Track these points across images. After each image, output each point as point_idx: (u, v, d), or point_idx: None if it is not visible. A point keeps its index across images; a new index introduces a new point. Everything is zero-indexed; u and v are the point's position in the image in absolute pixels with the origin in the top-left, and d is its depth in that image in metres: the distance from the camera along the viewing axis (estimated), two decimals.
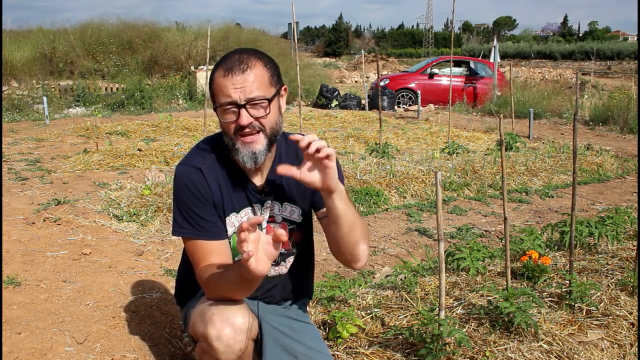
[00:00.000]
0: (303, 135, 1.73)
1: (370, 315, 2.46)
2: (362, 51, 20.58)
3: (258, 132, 1.57)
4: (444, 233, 2.84)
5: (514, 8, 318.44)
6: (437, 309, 2.08)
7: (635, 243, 3.27)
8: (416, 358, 2.09)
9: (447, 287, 2.74)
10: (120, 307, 2.66)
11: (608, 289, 2.62)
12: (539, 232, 3.27)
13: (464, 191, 5.12)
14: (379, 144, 6.43)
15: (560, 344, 2.18)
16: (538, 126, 9.57)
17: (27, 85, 11.88)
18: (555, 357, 2.12)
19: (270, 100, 1.57)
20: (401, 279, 2.86)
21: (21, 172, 5.41)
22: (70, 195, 4.61)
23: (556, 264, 3.01)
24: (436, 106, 12.41)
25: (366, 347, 2.22)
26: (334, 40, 62.02)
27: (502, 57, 31.20)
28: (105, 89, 12.60)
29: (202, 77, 12.07)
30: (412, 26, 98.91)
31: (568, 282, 2.54)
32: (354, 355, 2.17)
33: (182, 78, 13.36)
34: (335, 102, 12.20)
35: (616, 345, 2.20)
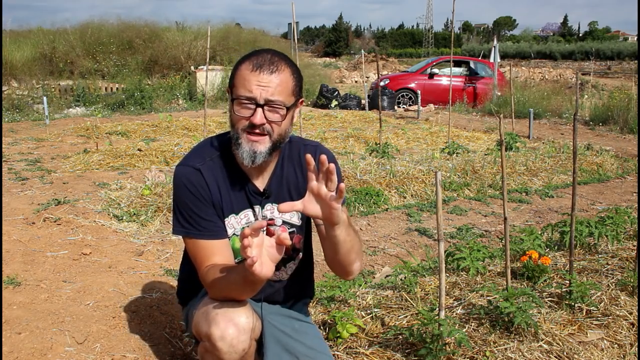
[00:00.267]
0: (315, 145, 1.73)
1: (370, 315, 2.46)
2: (362, 51, 20.58)
3: (266, 134, 1.56)
4: (444, 233, 2.85)
5: (514, 8, 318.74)
6: (437, 309, 2.08)
7: (635, 243, 3.27)
8: (416, 358, 2.09)
9: (447, 287, 2.74)
10: (120, 307, 2.66)
11: (608, 289, 2.63)
12: (539, 232, 3.27)
13: (464, 191, 5.12)
14: (379, 144, 6.43)
15: (560, 344, 2.18)
16: (538, 126, 9.57)
17: (27, 85, 11.88)
18: (555, 357, 2.12)
19: (288, 109, 1.57)
20: (401, 279, 2.86)
21: (21, 172, 5.41)
22: (70, 195, 4.61)
23: (556, 264, 3.01)
24: (436, 106, 12.41)
25: (366, 347, 2.22)
26: (334, 40, 62.02)
27: (502, 57, 31.20)
28: (105, 89, 12.60)
29: (202, 77, 12.07)
30: (412, 26, 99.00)
31: (568, 282, 2.55)
32: (354, 355, 2.17)
33: (182, 78, 13.37)
34: (335, 102, 12.20)
35: (616, 345, 2.20)
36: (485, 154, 6.29)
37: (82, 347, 2.27)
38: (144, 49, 14.29)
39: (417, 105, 11.34)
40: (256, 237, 1.33)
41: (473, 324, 2.33)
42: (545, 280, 2.74)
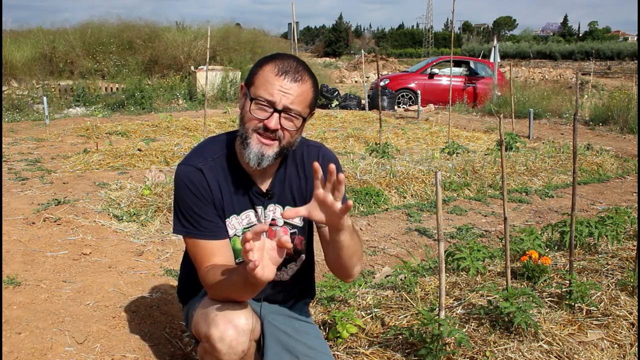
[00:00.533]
0: (318, 146, 1.73)
1: (370, 315, 2.46)
2: (362, 51, 20.58)
3: (277, 140, 1.56)
4: (444, 233, 2.85)
5: (514, 8, 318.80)
6: (437, 309, 2.08)
7: (635, 243, 3.27)
8: (416, 358, 2.09)
9: (447, 287, 2.74)
10: (120, 307, 2.66)
11: (608, 289, 2.63)
12: (539, 232, 3.27)
13: (464, 191, 5.12)
14: (379, 144, 6.43)
15: (560, 344, 2.18)
16: (538, 126, 9.57)
17: (27, 85, 11.88)
18: (555, 357, 2.12)
19: (304, 120, 1.57)
20: (401, 279, 2.86)
21: (21, 172, 5.41)
22: (70, 195, 4.61)
23: (556, 264, 3.01)
24: (436, 106, 12.41)
25: (366, 347, 2.22)
26: (334, 40, 62.03)
27: (502, 57, 31.21)
28: (105, 89, 12.60)
29: (202, 77, 12.07)
30: (412, 26, 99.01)
31: (568, 282, 2.54)
32: (354, 355, 2.17)
33: (182, 78, 13.37)
34: (335, 102, 12.20)
35: (616, 345, 2.20)
36: (485, 154, 6.29)
37: (82, 347, 2.27)
38: (144, 49, 14.29)
39: (417, 105, 11.34)
40: (257, 241, 1.32)
41: (473, 324, 2.33)
42: (545, 280, 2.74)
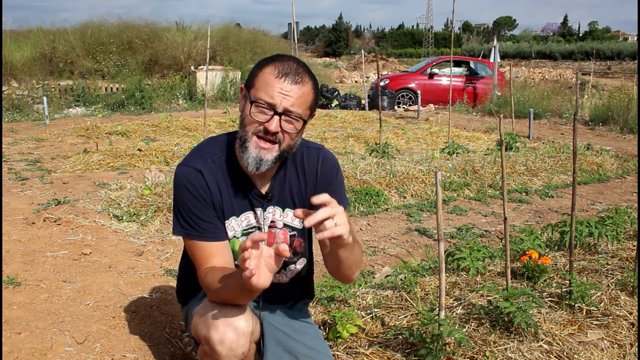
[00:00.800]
0: (318, 148, 1.72)
1: (370, 315, 2.46)
2: (362, 51, 20.58)
3: (276, 143, 1.55)
4: (444, 233, 2.85)
5: (514, 8, 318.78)
6: (437, 309, 2.08)
7: (635, 243, 3.27)
8: (416, 358, 2.09)
9: (447, 287, 2.74)
10: (120, 307, 2.66)
11: (608, 289, 2.62)
12: (539, 232, 3.27)
13: (464, 191, 5.12)
14: (379, 144, 6.43)
15: (560, 344, 2.18)
16: (538, 126, 9.57)
17: (27, 85, 11.88)
18: (555, 357, 2.12)
19: (304, 122, 1.56)
20: (401, 279, 2.86)
21: (21, 172, 5.41)
22: (70, 195, 4.61)
23: (556, 264, 3.01)
24: (436, 106, 12.42)
25: (366, 347, 2.22)
26: (334, 40, 62.03)
27: (502, 57, 31.20)
28: (105, 89, 12.60)
29: (202, 77, 12.07)
30: (412, 26, 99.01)
31: (568, 282, 2.54)
32: (354, 355, 2.17)
33: (182, 78, 13.37)
34: (335, 102, 12.21)
35: (616, 345, 2.20)
36: (485, 154, 6.29)
37: (82, 347, 2.27)
38: (144, 49, 14.29)
39: (417, 105, 11.34)
40: (255, 249, 1.32)
41: (473, 324, 2.33)
42: (545, 280, 2.74)
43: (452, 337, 2.06)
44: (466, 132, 8.95)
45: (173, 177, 1.68)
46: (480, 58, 16.95)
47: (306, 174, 1.71)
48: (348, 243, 1.46)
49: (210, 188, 1.62)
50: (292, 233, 1.75)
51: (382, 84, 12.57)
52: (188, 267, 1.78)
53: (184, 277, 1.91)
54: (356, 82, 22.81)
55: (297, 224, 1.75)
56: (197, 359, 1.68)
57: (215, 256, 1.61)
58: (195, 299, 1.80)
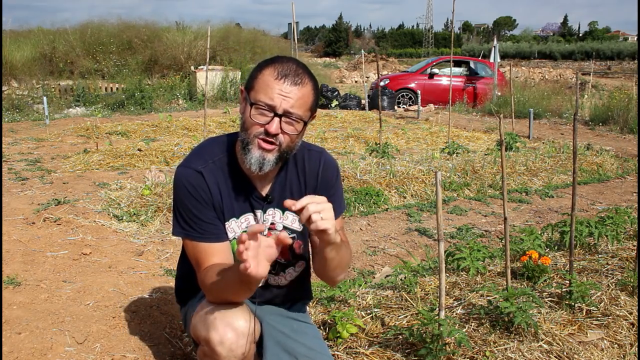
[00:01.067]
0: (319, 151, 1.73)
1: (370, 315, 2.46)
2: (362, 51, 20.59)
3: (277, 144, 1.54)
4: (444, 233, 2.85)
5: (514, 8, 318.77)
6: (437, 309, 2.08)
7: (635, 243, 3.27)
8: (416, 358, 2.09)
9: (447, 287, 2.74)
10: (120, 307, 2.66)
11: (608, 289, 2.62)
12: (539, 232, 3.27)
13: (464, 191, 5.12)
14: (379, 144, 6.43)
15: (560, 344, 2.18)
16: (538, 126, 9.57)
17: (27, 85, 11.88)
18: (555, 357, 2.12)
19: (305, 123, 1.56)
20: (401, 279, 2.86)
21: (21, 172, 5.41)
22: (70, 195, 4.61)
23: (556, 264, 3.01)
24: (436, 106, 12.42)
25: (366, 347, 2.22)
26: (334, 40, 62.03)
27: (502, 57, 31.20)
28: (105, 89, 12.60)
29: (202, 77, 12.07)
30: (412, 26, 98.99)
31: (568, 282, 2.54)
32: (354, 355, 2.17)
33: (182, 78, 13.37)
34: (335, 102, 12.20)
35: (616, 345, 2.20)
36: (485, 154, 6.29)
37: (82, 347, 2.27)
38: (143, 49, 14.29)
39: (417, 105, 11.34)
40: (254, 240, 1.32)
41: (473, 324, 2.33)
42: (545, 280, 2.74)
43: (452, 337, 2.06)
44: (466, 132, 8.95)
45: (173, 178, 1.67)
46: (480, 58, 16.95)
47: (307, 176, 1.71)
48: (335, 242, 1.49)
49: (211, 189, 1.62)
50: (291, 235, 1.75)
51: (382, 84, 12.57)
52: (187, 268, 1.77)
53: (182, 278, 1.91)
54: (356, 82, 22.81)
55: (296, 226, 1.75)
56: (197, 359, 1.68)
57: (215, 257, 1.60)
58: (194, 299, 1.80)
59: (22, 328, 2.37)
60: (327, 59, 40.66)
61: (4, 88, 10.94)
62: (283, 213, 1.72)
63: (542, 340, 2.19)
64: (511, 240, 3.07)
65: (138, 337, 2.39)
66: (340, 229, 1.74)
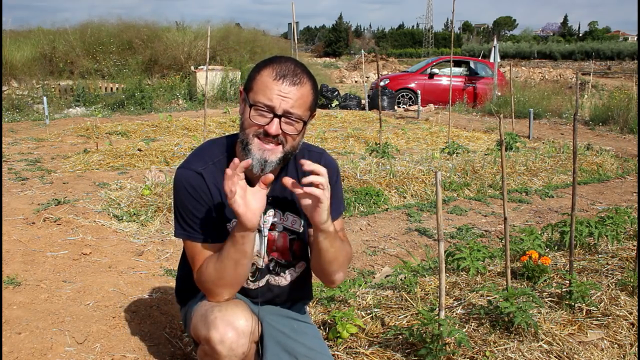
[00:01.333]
0: (320, 152, 1.73)
1: (370, 315, 2.46)
2: (362, 51, 20.59)
3: (278, 144, 1.54)
4: (444, 233, 2.85)
5: (514, 8, 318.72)
6: (437, 309, 2.08)
7: (635, 243, 3.27)
8: (416, 358, 2.09)
9: (447, 287, 2.74)
10: (120, 307, 2.66)
11: (608, 289, 2.62)
12: (539, 232, 3.27)
13: (464, 191, 5.12)
14: (379, 144, 6.43)
15: (560, 344, 2.18)
16: (538, 126, 9.57)
17: (27, 85, 11.88)
18: (555, 357, 2.12)
19: (305, 123, 1.56)
20: (401, 279, 2.86)
21: (21, 172, 5.41)
22: (70, 195, 4.61)
23: (556, 264, 3.01)
24: (436, 106, 12.42)
25: (366, 347, 2.22)
26: (334, 40, 62.02)
27: (502, 57, 31.21)
28: (105, 89, 12.60)
29: (202, 77, 12.07)
30: (412, 26, 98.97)
31: (568, 282, 2.54)
32: (354, 355, 2.17)
33: (182, 78, 13.37)
34: (335, 102, 12.20)
35: (616, 345, 2.20)
36: (485, 154, 6.29)
37: (82, 347, 2.27)
38: (144, 49, 14.29)
39: (417, 105, 11.34)
40: (241, 180, 1.44)
41: (473, 324, 2.33)
42: (545, 280, 2.74)
43: (452, 337, 2.06)
44: (466, 132, 8.95)
45: (173, 179, 1.67)
46: (480, 58, 16.95)
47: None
48: (327, 229, 1.54)
49: (211, 190, 1.62)
50: (292, 237, 1.75)
51: (382, 84, 12.57)
52: (187, 269, 1.77)
53: (183, 278, 1.91)
54: (356, 82, 22.81)
55: (297, 228, 1.75)
56: (197, 359, 1.68)
57: None
58: (194, 299, 1.80)
59: (22, 328, 2.37)
60: (327, 59, 40.66)
61: (4, 88, 10.94)
62: (283, 214, 1.72)
63: (542, 340, 2.19)
64: (511, 240, 3.07)
65: (138, 337, 2.39)
66: (340, 230, 1.74)
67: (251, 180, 1.66)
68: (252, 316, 1.58)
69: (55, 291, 2.79)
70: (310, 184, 1.46)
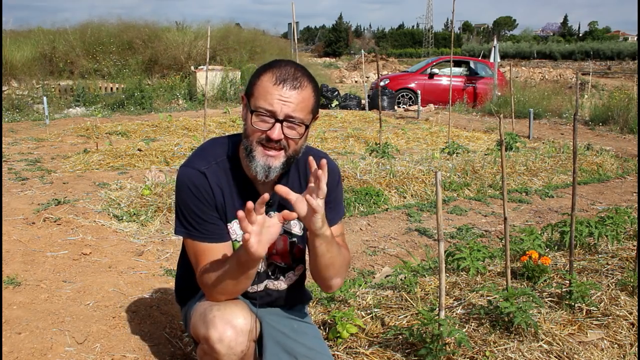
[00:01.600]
0: (322, 157, 1.73)
1: (370, 315, 2.46)
2: (362, 51, 20.59)
3: (281, 149, 1.54)
4: (444, 233, 2.85)
5: (514, 8, 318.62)
6: (437, 309, 2.08)
7: (635, 243, 3.27)
8: (416, 358, 2.09)
9: (447, 287, 2.74)
10: (120, 307, 2.66)
11: (608, 289, 2.62)
12: (539, 232, 3.27)
13: (464, 191, 5.12)
14: (379, 144, 6.43)
15: (560, 344, 2.18)
16: (538, 126, 9.57)
17: (27, 85, 11.88)
18: (555, 357, 2.12)
19: (307, 126, 1.56)
20: (401, 279, 2.86)
21: (21, 172, 5.41)
22: (70, 195, 4.61)
23: (556, 264, 3.01)
24: (436, 106, 12.42)
25: (366, 347, 2.22)
26: (334, 40, 62.01)
27: (502, 57, 31.20)
28: (105, 89, 12.60)
29: (202, 77, 12.07)
30: (412, 26, 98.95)
31: (568, 282, 2.54)
32: (354, 355, 2.17)
33: (182, 78, 13.37)
34: (335, 102, 12.20)
35: (616, 345, 2.20)
36: (485, 154, 6.29)
37: (82, 347, 2.27)
38: (144, 49, 14.29)
39: (417, 105, 11.34)
40: (259, 215, 1.38)
41: (473, 324, 2.33)
42: (545, 280, 2.74)
43: (452, 337, 2.06)
44: (466, 132, 8.95)
45: (176, 177, 1.67)
46: (480, 58, 16.95)
47: (309, 179, 1.71)
48: (324, 234, 1.53)
49: (213, 190, 1.62)
50: (292, 240, 1.75)
51: (382, 84, 12.57)
52: (186, 267, 1.78)
53: (182, 277, 1.91)
54: (356, 82, 22.81)
55: (297, 231, 1.75)
56: (197, 358, 1.68)
57: (217, 257, 1.60)
58: (193, 299, 1.80)
59: (22, 328, 2.37)
60: (327, 59, 40.65)
61: (4, 88, 10.94)
62: None
63: (542, 340, 2.19)
64: (511, 240, 3.07)
65: (138, 337, 2.39)
66: (339, 235, 1.73)
67: (254, 184, 1.66)
68: (251, 315, 1.58)
69: (55, 291, 2.79)
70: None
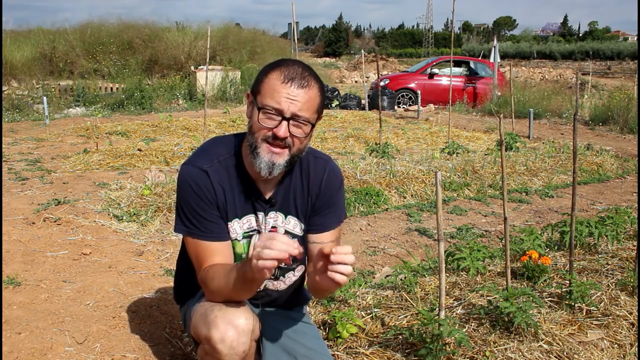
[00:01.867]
0: (325, 160, 1.72)
1: (370, 315, 2.46)
2: (362, 51, 20.59)
3: (286, 147, 1.54)
4: (444, 233, 2.85)
5: (514, 8, 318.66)
6: (437, 309, 2.08)
7: (635, 243, 3.27)
8: (416, 358, 2.09)
9: (447, 287, 2.74)
10: (120, 307, 2.66)
11: (608, 289, 2.63)
12: (539, 232, 3.27)
13: (464, 191, 5.12)
14: (379, 144, 6.43)
15: (560, 344, 2.18)
16: (538, 126, 9.57)
17: (27, 85, 11.88)
18: (555, 357, 2.12)
19: (312, 126, 1.56)
20: (401, 279, 2.86)
21: (21, 172, 5.41)
22: (70, 195, 4.61)
23: (556, 264, 3.01)
24: (436, 106, 12.42)
25: (366, 347, 2.22)
26: (334, 40, 62.02)
27: (502, 57, 31.19)
28: (105, 89, 12.60)
29: (202, 77, 12.07)
30: (412, 26, 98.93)
31: (568, 282, 2.55)
32: (354, 355, 2.17)
33: (182, 78, 13.37)
34: (335, 102, 12.20)
35: (616, 345, 2.20)
36: (485, 154, 6.29)
37: (82, 347, 2.27)
38: (144, 49, 14.29)
39: (417, 105, 11.34)
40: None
41: (473, 324, 2.33)
42: (545, 280, 2.74)
43: (452, 337, 2.06)
44: (466, 132, 8.95)
45: (177, 175, 1.67)
46: (480, 58, 16.95)
47: (310, 183, 1.70)
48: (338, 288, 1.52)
49: (215, 189, 1.62)
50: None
51: (382, 84, 12.57)
52: (185, 265, 1.78)
53: (181, 275, 1.91)
54: (356, 82, 22.81)
55: (298, 231, 1.75)
56: (198, 359, 1.68)
57: (217, 256, 1.60)
58: (193, 299, 1.80)
59: (22, 328, 2.37)
60: (327, 59, 40.67)
61: (4, 88, 10.94)
62: (285, 217, 1.72)
63: (542, 340, 2.19)
64: (511, 240, 3.07)
65: (138, 337, 2.39)
66: (336, 240, 1.73)
67: (256, 183, 1.66)
68: (252, 315, 1.58)
69: (55, 291, 2.79)
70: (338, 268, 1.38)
